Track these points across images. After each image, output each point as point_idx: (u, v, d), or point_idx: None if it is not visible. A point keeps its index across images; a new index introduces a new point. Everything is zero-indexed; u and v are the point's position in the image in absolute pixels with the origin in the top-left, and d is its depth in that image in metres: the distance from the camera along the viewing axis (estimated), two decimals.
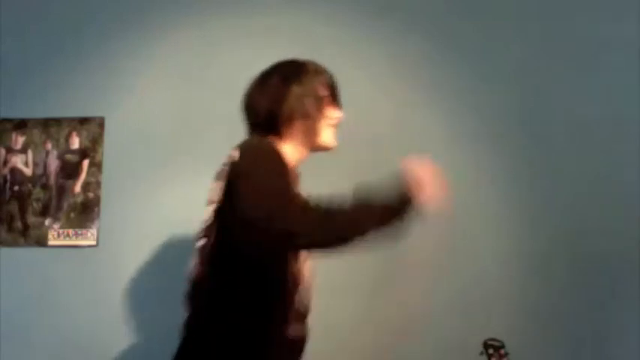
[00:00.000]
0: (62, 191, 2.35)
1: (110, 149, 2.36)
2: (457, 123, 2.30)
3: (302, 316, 1.49)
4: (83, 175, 2.35)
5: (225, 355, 1.38)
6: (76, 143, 2.38)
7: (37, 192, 2.36)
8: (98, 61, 2.43)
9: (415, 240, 2.20)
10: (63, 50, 2.45)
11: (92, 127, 2.38)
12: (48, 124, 2.40)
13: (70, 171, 2.36)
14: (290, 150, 1.51)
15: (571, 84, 2.28)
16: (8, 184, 2.37)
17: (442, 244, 2.20)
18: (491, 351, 1.67)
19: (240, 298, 1.40)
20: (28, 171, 2.38)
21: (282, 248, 1.42)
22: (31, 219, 2.34)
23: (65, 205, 2.34)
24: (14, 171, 2.38)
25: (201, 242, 1.44)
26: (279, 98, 1.50)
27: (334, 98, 1.57)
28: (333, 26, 2.39)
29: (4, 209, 2.35)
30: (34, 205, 2.35)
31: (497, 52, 2.34)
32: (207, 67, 2.39)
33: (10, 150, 2.40)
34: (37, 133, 2.40)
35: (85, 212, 2.32)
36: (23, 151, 2.40)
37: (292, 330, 1.44)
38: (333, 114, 1.56)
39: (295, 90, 1.51)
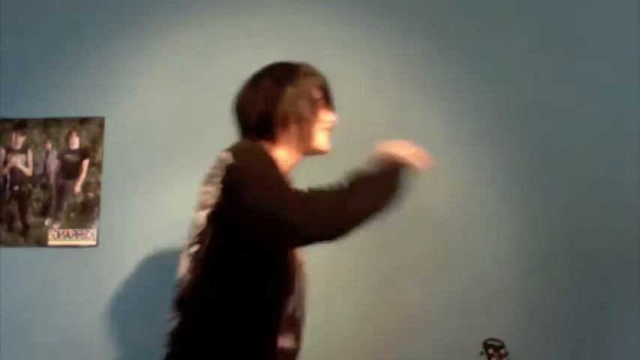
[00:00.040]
0: (62, 191, 2.35)
1: (110, 149, 2.36)
2: (457, 123, 2.30)
3: (294, 327, 1.47)
4: (83, 175, 2.35)
5: None
6: (76, 143, 2.38)
7: (37, 192, 2.36)
8: (98, 61, 2.43)
9: (415, 240, 2.21)
10: (63, 50, 2.45)
11: (92, 127, 2.38)
12: (48, 124, 2.40)
13: (70, 171, 2.36)
14: (283, 154, 1.49)
15: (571, 84, 2.28)
16: (8, 184, 2.37)
17: (442, 244, 2.21)
18: (491, 351, 1.67)
19: (234, 305, 1.37)
20: (28, 171, 2.38)
21: (287, 244, 1.41)
22: (31, 219, 2.34)
23: (65, 205, 2.34)
24: (14, 171, 2.38)
25: (194, 248, 1.41)
26: (272, 100, 1.48)
27: (328, 101, 1.55)
28: (333, 26, 2.39)
29: (4, 209, 2.35)
30: (34, 205, 2.35)
31: (497, 52, 2.34)
32: (207, 67, 2.39)
33: (10, 150, 2.40)
34: (37, 133, 2.40)
35: (85, 212, 2.32)
36: (23, 151, 2.40)
37: (282, 341, 1.42)
38: (327, 117, 1.54)
39: (289, 92, 1.49)
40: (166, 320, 1.43)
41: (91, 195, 2.33)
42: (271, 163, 1.40)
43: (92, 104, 2.40)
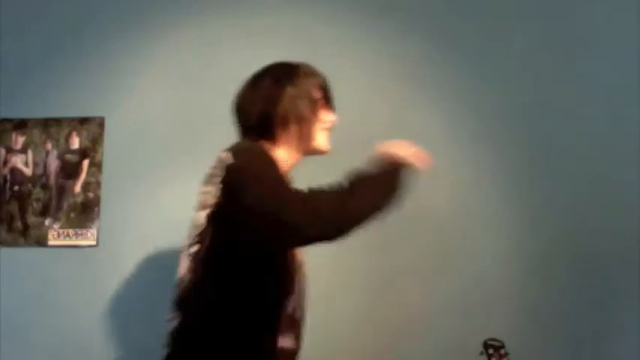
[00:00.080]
0: (62, 191, 2.35)
1: (110, 149, 2.36)
2: (457, 123, 2.30)
3: (294, 327, 1.47)
4: (83, 175, 2.35)
5: None
6: (76, 143, 2.38)
7: (37, 192, 2.36)
8: (98, 61, 2.43)
9: (415, 240, 2.21)
10: (63, 50, 2.45)
11: (92, 127, 2.38)
12: (48, 124, 2.40)
13: (70, 171, 2.36)
14: (283, 155, 1.49)
15: (571, 84, 2.28)
16: (8, 184, 2.37)
17: (442, 244, 2.21)
18: (491, 351, 1.67)
19: (234, 305, 1.37)
20: (28, 171, 2.38)
21: (287, 244, 1.40)
22: (31, 219, 2.34)
23: (65, 205, 2.34)
24: (14, 171, 2.38)
25: (194, 248, 1.41)
26: (272, 100, 1.48)
27: (328, 101, 1.55)
28: (333, 26, 2.39)
29: (4, 209, 2.35)
30: (34, 205, 2.35)
31: (497, 52, 2.34)
32: (207, 67, 2.39)
33: (10, 150, 2.40)
34: (37, 133, 2.40)
35: (85, 212, 2.32)
36: (23, 151, 2.40)
37: (282, 341, 1.42)
38: (327, 117, 1.54)
39: (289, 92, 1.49)
40: (166, 320, 1.43)
41: (91, 195, 2.33)
42: (271, 163, 1.40)
43: (92, 104, 2.40)
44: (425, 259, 2.19)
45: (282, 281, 1.43)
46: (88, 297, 2.26)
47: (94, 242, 2.30)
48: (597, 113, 2.25)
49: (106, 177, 2.34)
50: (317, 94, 1.52)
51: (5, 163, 2.39)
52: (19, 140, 2.40)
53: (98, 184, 2.34)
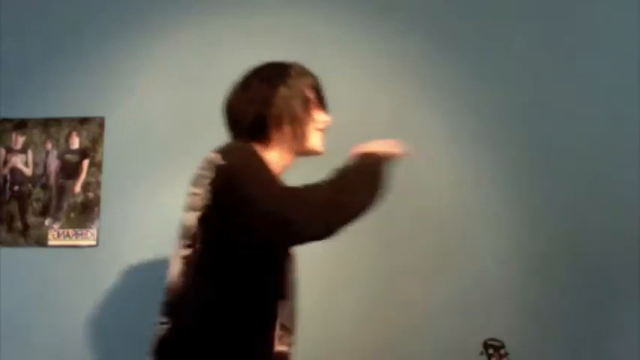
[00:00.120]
0: (62, 191, 2.35)
1: (110, 149, 2.36)
2: (457, 123, 2.30)
3: (288, 331, 1.45)
4: (83, 175, 2.35)
5: None
6: (76, 143, 2.38)
7: (37, 192, 2.36)
8: (98, 61, 2.44)
9: (415, 240, 2.21)
10: (63, 50, 2.45)
11: (92, 127, 2.38)
12: (48, 124, 2.40)
13: (70, 171, 2.36)
14: (275, 156, 1.47)
15: (571, 84, 2.28)
16: (8, 184, 2.37)
17: (442, 244, 2.21)
18: (491, 351, 1.67)
19: (231, 309, 1.35)
20: (28, 171, 2.38)
21: (289, 242, 1.39)
22: (31, 219, 2.34)
23: (65, 205, 2.34)
24: (14, 171, 2.38)
25: (185, 252, 1.38)
26: (265, 101, 1.46)
27: (321, 101, 1.54)
28: (333, 26, 2.39)
29: (4, 209, 2.35)
30: (34, 205, 2.35)
31: (497, 52, 2.34)
32: (207, 67, 2.39)
33: (10, 150, 2.40)
34: (37, 133, 2.40)
35: (85, 212, 2.32)
36: (23, 151, 2.40)
37: (277, 344, 1.40)
38: (321, 117, 1.53)
39: (282, 92, 1.47)
40: (155, 325, 1.40)
41: (91, 195, 2.33)
42: (262, 163, 1.38)
43: (92, 104, 2.40)
44: (425, 259, 2.19)
45: (278, 283, 1.42)
46: (88, 297, 2.26)
47: (94, 242, 2.30)
48: (597, 113, 2.25)
49: (106, 177, 2.34)
50: (310, 94, 1.51)
51: (5, 163, 2.39)
52: (19, 140, 2.40)
53: (98, 184, 2.34)
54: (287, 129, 1.47)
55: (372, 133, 2.26)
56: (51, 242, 2.31)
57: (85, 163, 2.36)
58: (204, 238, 1.36)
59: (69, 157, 2.37)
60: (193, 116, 2.35)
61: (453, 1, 2.39)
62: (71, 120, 2.39)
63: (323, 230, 1.32)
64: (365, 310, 2.17)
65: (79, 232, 2.31)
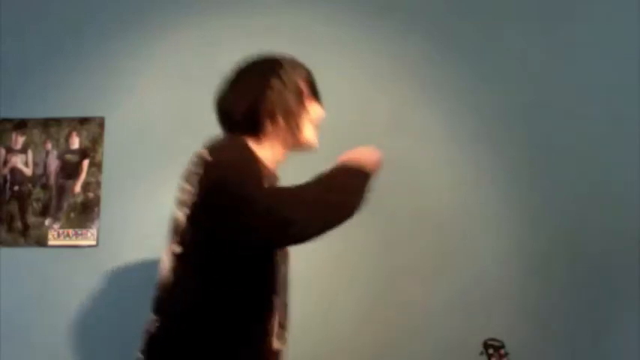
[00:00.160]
0: (62, 191, 2.35)
1: (110, 149, 2.36)
2: (457, 123, 2.30)
3: (280, 326, 1.44)
4: (83, 175, 2.35)
5: None
6: (76, 143, 2.38)
7: (37, 192, 2.36)
8: (98, 61, 2.44)
9: (415, 240, 2.21)
10: (63, 50, 2.45)
11: (92, 127, 2.38)
12: (48, 124, 2.40)
13: (70, 171, 2.36)
14: (269, 152, 1.46)
15: (571, 84, 2.29)
16: (8, 184, 2.37)
17: (442, 244, 2.21)
18: (491, 351, 1.67)
19: (223, 305, 1.33)
20: (28, 171, 2.38)
21: (285, 242, 1.36)
22: (31, 219, 2.34)
23: (65, 205, 2.34)
24: (14, 171, 2.38)
25: (176, 248, 1.36)
26: (258, 94, 1.45)
27: (314, 93, 1.53)
28: (333, 26, 2.39)
29: (4, 209, 2.35)
30: (34, 205, 2.35)
31: (497, 52, 2.34)
32: (207, 67, 2.39)
33: (10, 150, 2.40)
34: (37, 133, 2.40)
35: (85, 212, 2.32)
36: (23, 151, 2.40)
37: (273, 342, 1.39)
38: (314, 109, 1.51)
39: (275, 85, 1.46)
40: (145, 323, 1.39)
41: (91, 195, 2.33)
42: (250, 159, 1.36)
43: (92, 104, 2.40)
44: (425, 259, 2.19)
45: (268, 278, 1.39)
46: (88, 297, 2.26)
47: (94, 242, 2.30)
48: (597, 113, 2.25)
49: (106, 177, 2.34)
50: (303, 87, 1.50)
51: (5, 163, 2.39)
52: (19, 140, 2.40)
53: (98, 184, 2.34)
54: (281, 122, 1.45)
55: (372, 133, 2.28)
56: (51, 242, 2.31)
57: (85, 163, 2.36)
58: (193, 234, 1.34)
59: (69, 157, 2.37)
60: (193, 116, 2.35)
61: (453, 1, 2.39)
62: (71, 120, 2.39)
63: (321, 230, 1.30)
64: (365, 310, 2.17)
65: (79, 232, 2.31)
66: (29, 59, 2.46)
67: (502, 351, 1.67)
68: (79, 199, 2.33)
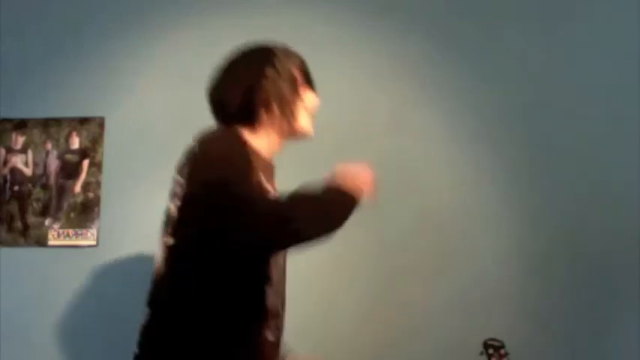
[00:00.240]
0: (62, 191, 2.35)
1: (110, 149, 2.36)
2: (457, 123, 2.30)
3: (275, 317, 1.42)
4: (83, 175, 2.35)
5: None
6: (76, 143, 2.38)
7: (37, 192, 2.36)
8: (98, 61, 2.44)
9: (415, 240, 2.21)
10: (63, 50, 2.45)
11: (92, 127, 2.38)
12: (48, 124, 2.40)
13: (70, 171, 2.36)
14: (264, 141, 1.45)
15: (571, 84, 2.28)
16: (8, 184, 2.37)
17: (442, 244, 2.21)
18: (491, 351, 1.67)
19: (215, 298, 1.32)
20: (28, 171, 2.38)
21: (285, 242, 1.33)
22: (31, 219, 2.34)
23: (65, 205, 2.34)
24: (14, 171, 2.38)
25: (168, 240, 1.36)
26: (253, 84, 1.45)
27: (308, 81, 1.52)
28: (333, 26, 2.39)
29: (4, 209, 2.35)
30: (34, 205, 2.35)
31: (497, 52, 2.34)
32: (207, 67, 2.38)
33: (10, 150, 2.40)
34: (37, 133, 2.40)
35: (85, 212, 2.32)
36: (23, 151, 2.40)
37: (267, 333, 1.38)
38: (309, 97, 1.51)
39: (269, 73, 1.45)
40: (141, 316, 1.38)
41: (91, 195, 2.33)
42: (239, 153, 1.34)
43: (92, 104, 2.40)
44: (425, 259, 2.19)
45: (263, 269, 1.38)
46: (88, 297, 2.26)
47: (94, 242, 2.30)
48: (597, 113, 2.25)
49: (106, 177, 2.34)
50: (297, 74, 1.49)
51: (5, 163, 2.39)
52: (19, 140, 2.40)
53: (98, 184, 2.34)
54: (276, 110, 1.45)
55: (372, 133, 2.28)
56: (51, 242, 2.31)
57: (85, 163, 2.36)
58: (184, 226, 1.34)
59: (69, 157, 2.37)
60: (193, 116, 2.32)
61: (453, 1, 2.39)
62: (71, 120, 2.39)
63: (321, 230, 1.29)
64: (365, 310, 2.17)
65: (79, 232, 2.31)
66: (29, 59, 2.46)
67: (502, 351, 1.67)
68: (79, 199, 2.33)
